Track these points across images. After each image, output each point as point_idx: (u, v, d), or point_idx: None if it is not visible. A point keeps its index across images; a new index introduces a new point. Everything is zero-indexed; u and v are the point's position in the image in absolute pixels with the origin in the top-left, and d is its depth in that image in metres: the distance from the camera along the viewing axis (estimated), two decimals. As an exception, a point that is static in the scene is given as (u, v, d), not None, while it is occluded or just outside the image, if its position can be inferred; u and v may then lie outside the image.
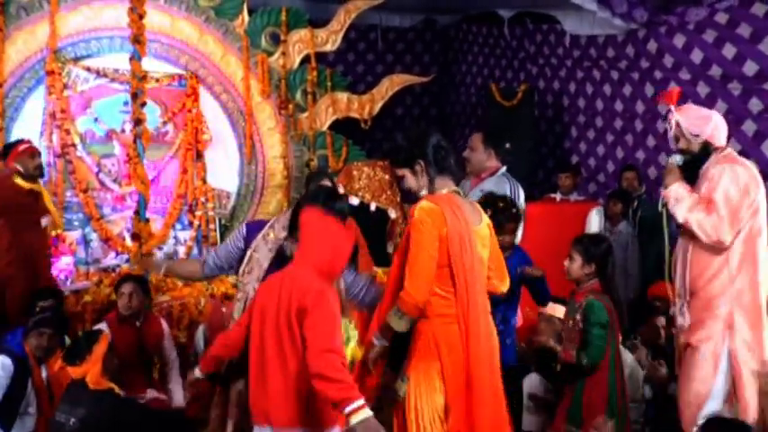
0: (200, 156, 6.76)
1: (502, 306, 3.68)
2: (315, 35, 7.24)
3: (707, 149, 3.33)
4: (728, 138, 3.45)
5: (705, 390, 3.27)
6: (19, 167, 4.86)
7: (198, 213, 6.65)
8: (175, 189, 6.63)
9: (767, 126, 5.72)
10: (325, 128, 7.29)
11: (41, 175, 5.10)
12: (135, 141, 5.50)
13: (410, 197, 2.91)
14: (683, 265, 3.37)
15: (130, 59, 5.56)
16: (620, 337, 3.70)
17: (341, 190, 5.48)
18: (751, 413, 3.22)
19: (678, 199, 3.30)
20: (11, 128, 6.05)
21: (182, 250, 6.51)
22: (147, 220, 5.58)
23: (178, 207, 6.57)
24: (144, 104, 5.57)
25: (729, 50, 5.89)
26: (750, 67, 5.76)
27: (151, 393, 4.35)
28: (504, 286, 3.00)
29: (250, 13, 7.05)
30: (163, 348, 4.47)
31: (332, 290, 2.61)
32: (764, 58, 5.66)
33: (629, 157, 7.09)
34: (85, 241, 6.23)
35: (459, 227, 2.75)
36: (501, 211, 3.73)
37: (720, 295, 3.27)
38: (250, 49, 6.95)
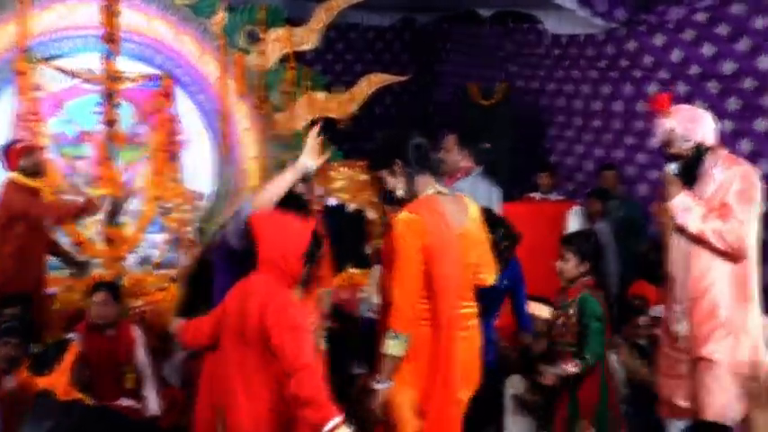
0: (174, 157, 6.65)
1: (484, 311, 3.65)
2: (293, 34, 7.16)
3: (699, 151, 3.22)
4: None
5: (728, 400, 3.14)
6: (24, 165, 4.86)
7: (172, 216, 6.54)
8: (149, 191, 6.52)
9: (745, 125, 5.74)
10: (301, 128, 7.21)
11: (44, 173, 5.07)
12: (107, 143, 5.37)
13: (391, 199, 2.86)
14: (683, 270, 3.25)
15: (104, 59, 5.42)
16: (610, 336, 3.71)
17: (319, 191, 5.40)
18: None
19: (686, 209, 3.16)
20: (-21, 129, 5.89)
21: (155, 254, 6.40)
22: (120, 224, 5.46)
23: (152, 210, 6.46)
24: (118, 105, 5.45)
25: (708, 49, 5.91)
26: (728, 67, 5.78)
27: (124, 402, 4.23)
28: (491, 278, 2.98)
29: (229, 11, 6.95)
30: (135, 356, 4.35)
31: (292, 295, 2.59)
32: (742, 57, 5.68)
33: (607, 157, 7.09)
34: (56, 245, 6.09)
35: (440, 234, 2.72)
36: (505, 250, 3.72)
37: (724, 300, 3.18)
38: (227, 48, 6.85)
